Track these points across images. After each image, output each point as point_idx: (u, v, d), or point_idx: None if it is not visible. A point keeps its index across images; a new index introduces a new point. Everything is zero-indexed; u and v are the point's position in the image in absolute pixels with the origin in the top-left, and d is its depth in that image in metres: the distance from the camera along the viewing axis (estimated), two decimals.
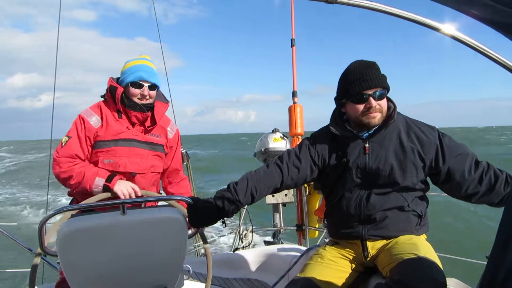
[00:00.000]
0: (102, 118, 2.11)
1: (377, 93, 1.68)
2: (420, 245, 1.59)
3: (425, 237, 1.79)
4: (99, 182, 1.99)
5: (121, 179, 2.03)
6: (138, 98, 2.13)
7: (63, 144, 2.08)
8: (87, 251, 1.51)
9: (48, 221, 1.58)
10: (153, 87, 2.15)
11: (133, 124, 2.16)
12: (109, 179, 1.99)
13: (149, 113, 2.18)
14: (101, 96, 2.23)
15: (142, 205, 2.04)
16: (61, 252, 1.49)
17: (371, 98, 1.67)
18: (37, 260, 1.71)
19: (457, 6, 0.72)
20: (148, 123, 2.20)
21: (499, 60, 0.91)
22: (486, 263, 1.34)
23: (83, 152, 2.08)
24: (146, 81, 2.12)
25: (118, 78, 2.20)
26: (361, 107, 1.70)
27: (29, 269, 1.71)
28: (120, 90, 2.11)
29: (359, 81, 1.67)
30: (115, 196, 1.96)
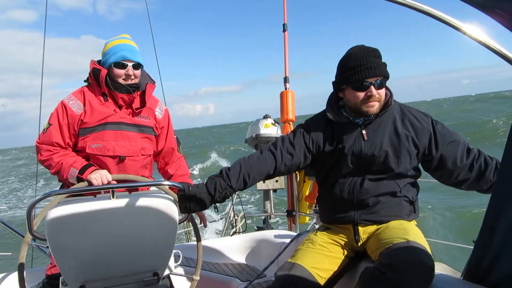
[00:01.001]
0: (85, 104, 2.05)
1: (378, 82, 1.68)
2: (410, 230, 1.61)
3: (415, 223, 1.81)
4: (73, 172, 1.96)
5: (97, 169, 1.97)
6: (123, 79, 2.07)
7: (45, 131, 2.04)
8: (76, 235, 1.50)
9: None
10: (137, 66, 2.09)
11: (119, 107, 2.11)
12: (82, 171, 1.95)
13: (135, 95, 2.12)
14: (84, 81, 2.17)
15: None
16: (50, 236, 1.48)
17: (372, 87, 1.67)
18: (26, 244, 1.70)
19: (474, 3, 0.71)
20: (136, 105, 2.14)
21: None
22: (472, 247, 1.37)
23: (64, 140, 2.04)
24: (130, 61, 2.06)
25: (99, 61, 2.14)
26: (361, 95, 1.69)
27: (18, 253, 1.70)
28: (104, 72, 2.05)
29: (361, 68, 1.66)
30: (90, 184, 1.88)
